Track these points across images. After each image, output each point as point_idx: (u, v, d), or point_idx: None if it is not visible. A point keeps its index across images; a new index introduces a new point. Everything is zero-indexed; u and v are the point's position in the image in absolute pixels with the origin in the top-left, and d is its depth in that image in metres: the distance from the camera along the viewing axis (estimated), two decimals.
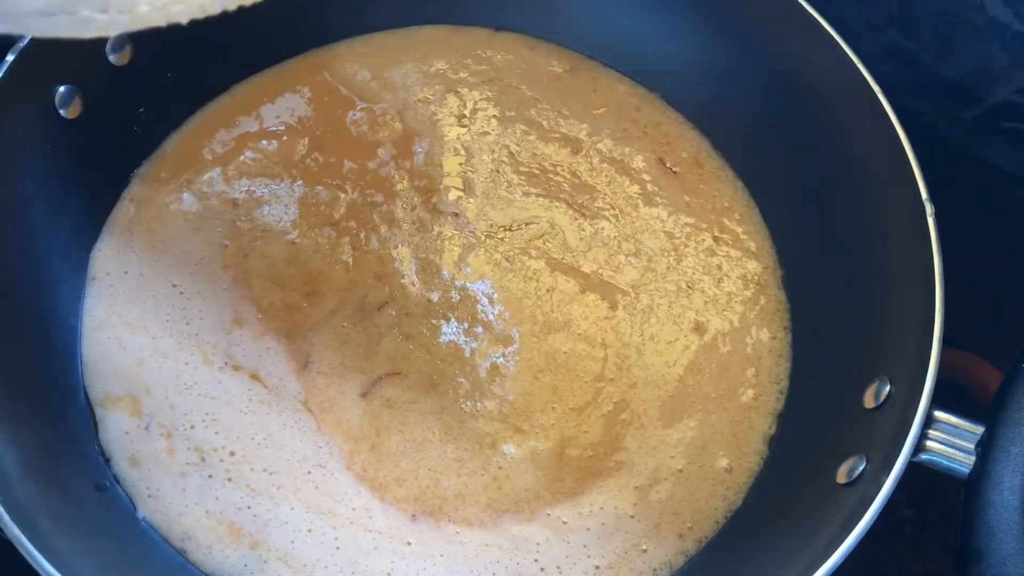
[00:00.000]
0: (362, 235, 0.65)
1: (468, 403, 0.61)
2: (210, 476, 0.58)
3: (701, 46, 0.70)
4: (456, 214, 0.67)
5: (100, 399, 0.60)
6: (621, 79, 0.72)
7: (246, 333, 0.62)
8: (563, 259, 0.66)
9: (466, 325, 0.63)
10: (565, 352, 0.63)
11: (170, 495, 0.57)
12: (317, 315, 0.63)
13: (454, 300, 0.64)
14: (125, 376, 0.60)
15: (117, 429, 0.59)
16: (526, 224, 0.67)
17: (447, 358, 0.62)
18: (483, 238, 0.66)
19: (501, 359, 0.62)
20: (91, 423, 0.59)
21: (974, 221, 0.69)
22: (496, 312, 0.64)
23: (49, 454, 0.55)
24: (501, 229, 0.66)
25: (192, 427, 0.59)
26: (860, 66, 0.61)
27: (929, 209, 0.56)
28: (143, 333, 0.62)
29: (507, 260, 0.66)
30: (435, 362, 0.62)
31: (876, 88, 0.60)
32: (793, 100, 0.66)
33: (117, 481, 0.58)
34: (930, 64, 0.73)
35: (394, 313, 0.63)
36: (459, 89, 0.71)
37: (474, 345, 0.63)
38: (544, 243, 0.66)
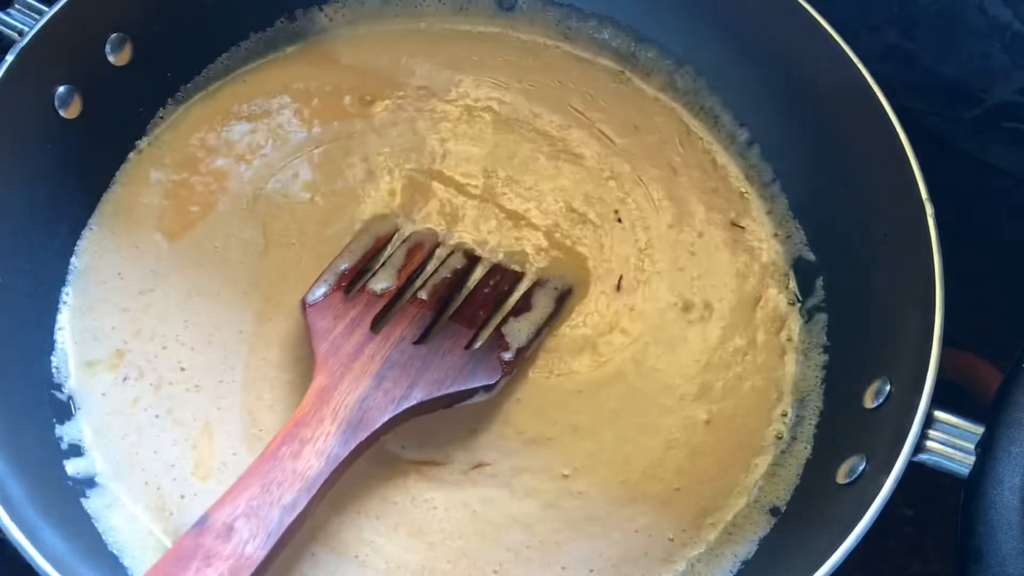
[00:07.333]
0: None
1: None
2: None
3: (699, 44, 0.70)
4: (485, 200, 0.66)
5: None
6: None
7: (270, 323, 0.61)
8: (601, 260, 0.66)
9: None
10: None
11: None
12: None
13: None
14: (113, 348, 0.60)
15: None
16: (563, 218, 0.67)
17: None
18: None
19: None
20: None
21: (974, 221, 0.69)
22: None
23: (44, 451, 0.56)
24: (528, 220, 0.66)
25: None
26: (860, 66, 0.61)
27: (929, 209, 0.56)
28: (153, 318, 0.61)
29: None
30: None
31: (876, 88, 0.60)
32: (792, 99, 0.66)
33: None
34: (930, 64, 0.73)
35: None
36: (470, 75, 0.70)
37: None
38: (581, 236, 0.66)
